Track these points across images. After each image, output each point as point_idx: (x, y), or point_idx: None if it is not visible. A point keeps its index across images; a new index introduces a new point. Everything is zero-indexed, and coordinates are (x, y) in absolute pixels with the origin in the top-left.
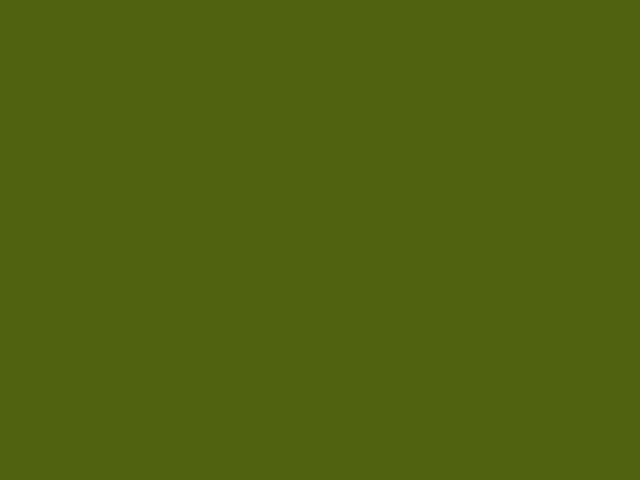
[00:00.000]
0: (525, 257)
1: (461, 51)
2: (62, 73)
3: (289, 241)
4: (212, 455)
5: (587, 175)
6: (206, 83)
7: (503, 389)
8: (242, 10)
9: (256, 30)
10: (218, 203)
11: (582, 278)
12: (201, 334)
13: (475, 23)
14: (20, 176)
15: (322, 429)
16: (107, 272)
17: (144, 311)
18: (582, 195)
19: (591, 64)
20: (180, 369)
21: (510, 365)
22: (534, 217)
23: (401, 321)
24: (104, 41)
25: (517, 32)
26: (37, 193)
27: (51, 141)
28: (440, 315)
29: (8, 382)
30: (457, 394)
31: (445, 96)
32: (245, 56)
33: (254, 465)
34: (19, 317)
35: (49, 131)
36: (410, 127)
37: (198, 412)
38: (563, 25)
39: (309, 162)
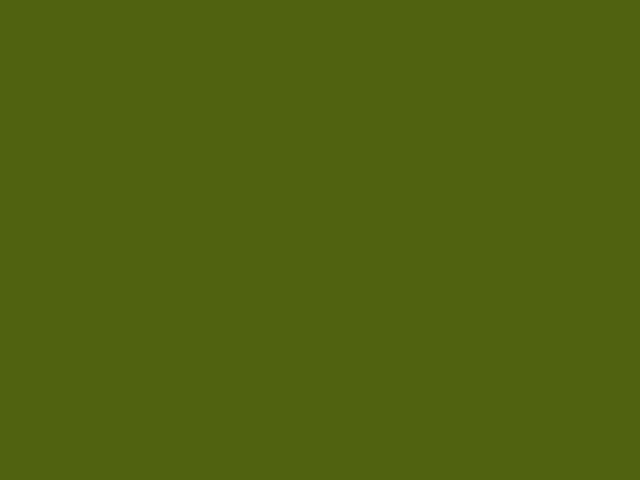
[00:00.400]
0: (525, 257)
1: (461, 51)
2: (62, 73)
3: (289, 241)
4: (212, 455)
5: (587, 175)
6: (206, 83)
7: (503, 389)
8: (242, 10)
9: (256, 30)
10: (218, 203)
11: (582, 278)
12: (201, 334)
13: (475, 23)
14: (20, 176)
15: (322, 429)
16: (107, 272)
17: (144, 311)
18: (582, 195)
19: (591, 64)
20: (180, 369)
21: (510, 365)
22: (534, 217)
23: (401, 321)
24: (104, 41)
25: (517, 32)
26: (37, 193)
27: (51, 141)
28: (440, 315)
29: (8, 382)
30: (457, 394)
31: (445, 96)
32: (245, 56)
33: (254, 465)
34: (19, 317)
35: (49, 131)
36: (410, 127)
37: (198, 412)
38: (563, 25)
39: (309, 162)
